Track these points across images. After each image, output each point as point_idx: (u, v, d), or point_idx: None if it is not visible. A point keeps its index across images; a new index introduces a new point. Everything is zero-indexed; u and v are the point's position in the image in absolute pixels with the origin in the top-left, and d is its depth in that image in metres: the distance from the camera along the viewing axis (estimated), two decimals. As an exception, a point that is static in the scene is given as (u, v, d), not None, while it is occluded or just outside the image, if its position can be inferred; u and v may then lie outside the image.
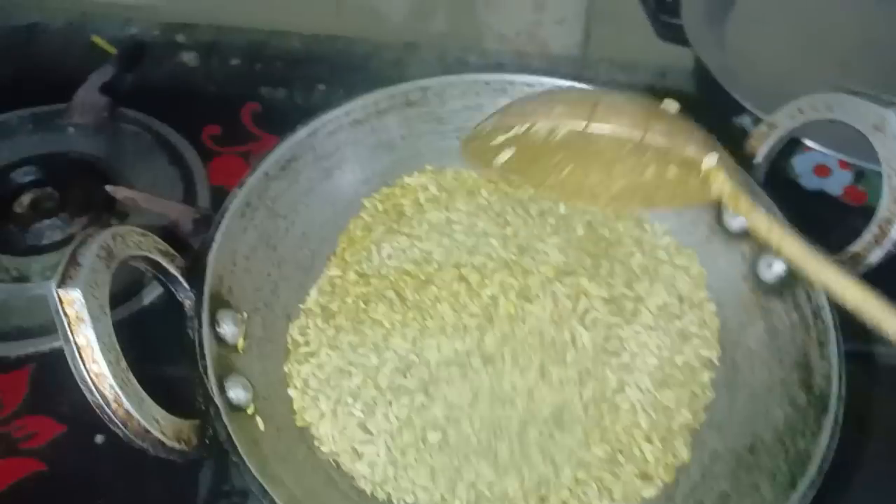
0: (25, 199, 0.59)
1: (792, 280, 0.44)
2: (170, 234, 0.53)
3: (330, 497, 0.41)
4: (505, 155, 0.45)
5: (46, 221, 0.57)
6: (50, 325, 0.51)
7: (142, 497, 0.48)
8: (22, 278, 0.56)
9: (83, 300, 0.33)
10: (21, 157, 0.61)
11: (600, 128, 0.40)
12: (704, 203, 0.45)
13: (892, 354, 0.55)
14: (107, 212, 0.59)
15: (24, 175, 0.60)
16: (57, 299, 0.33)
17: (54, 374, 0.52)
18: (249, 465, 0.36)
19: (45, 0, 0.80)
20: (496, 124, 0.43)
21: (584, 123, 0.40)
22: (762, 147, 0.47)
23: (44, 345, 0.52)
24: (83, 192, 0.59)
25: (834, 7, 0.73)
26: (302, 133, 0.48)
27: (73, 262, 0.34)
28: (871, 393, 0.52)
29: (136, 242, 0.38)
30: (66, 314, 0.33)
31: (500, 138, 0.43)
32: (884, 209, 0.42)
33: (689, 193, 0.44)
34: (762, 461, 0.41)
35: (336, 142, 0.50)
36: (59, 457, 0.49)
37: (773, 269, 0.46)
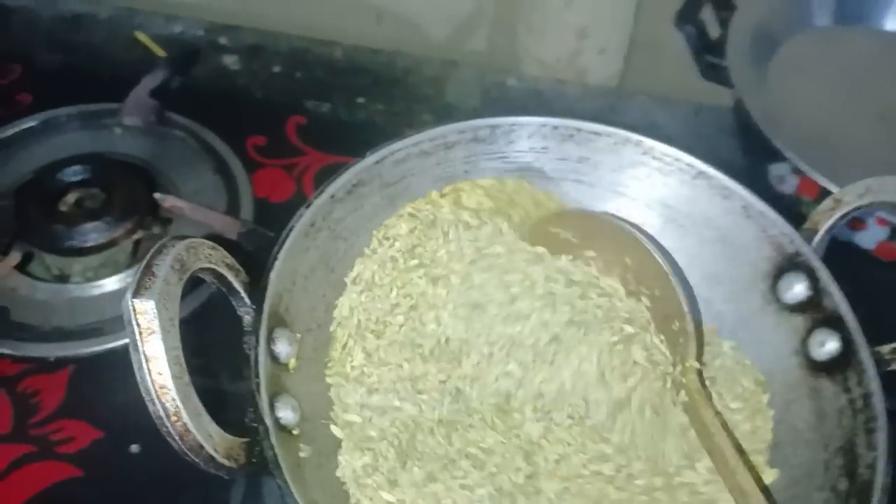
0: (71, 197, 0.59)
1: (845, 361, 0.44)
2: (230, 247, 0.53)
3: None
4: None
5: (91, 223, 0.57)
6: (90, 328, 0.53)
7: (175, 507, 0.48)
8: (63, 278, 0.56)
9: (156, 311, 0.33)
10: (68, 154, 0.61)
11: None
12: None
13: None
14: (150, 217, 0.59)
15: (71, 174, 0.60)
16: (131, 309, 0.33)
17: (93, 378, 0.52)
18: (293, 489, 0.36)
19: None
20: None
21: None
22: (826, 221, 0.47)
23: (84, 348, 0.52)
24: (129, 195, 0.59)
25: (876, 58, 0.73)
26: (370, 159, 0.48)
27: (148, 272, 0.34)
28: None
29: (206, 255, 0.38)
30: (138, 324, 0.33)
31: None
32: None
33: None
34: None
35: (402, 171, 0.50)
36: (95, 463, 0.49)
37: (826, 347, 0.45)
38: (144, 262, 0.35)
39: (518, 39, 0.83)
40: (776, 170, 0.62)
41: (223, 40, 0.77)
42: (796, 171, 0.59)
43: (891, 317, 0.44)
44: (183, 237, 0.37)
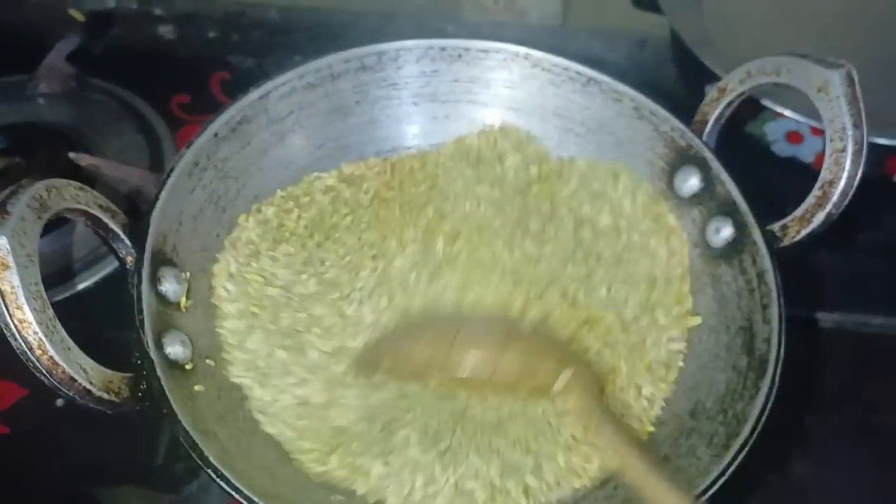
0: (-9, 167, 0.59)
1: (740, 244, 0.44)
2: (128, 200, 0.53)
3: (265, 457, 0.41)
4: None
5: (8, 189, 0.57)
6: None
7: (102, 458, 0.49)
8: (-18, 243, 0.56)
9: (8, 247, 0.33)
10: (-13, 126, 0.62)
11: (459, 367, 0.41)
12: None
13: (835, 320, 0.55)
14: (73, 179, 0.59)
15: (-10, 144, 0.60)
16: None
17: (15, 339, 0.53)
18: (180, 418, 0.36)
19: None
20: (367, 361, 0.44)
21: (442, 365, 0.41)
22: (713, 112, 0.47)
23: (5, 310, 0.53)
24: (49, 159, 0.59)
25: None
26: (254, 95, 0.48)
27: (1, 209, 0.34)
28: (812, 359, 0.53)
29: (72, 195, 0.38)
30: None
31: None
32: (826, 171, 0.41)
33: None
34: (702, 425, 0.41)
35: (289, 105, 0.50)
36: (22, 420, 0.50)
37: (722, 234, 0.46)
38: (-2, 201, 0.35)
39: (456, -17, 0.82)
40: (711, 90, 0.62)
41: (158, 11, 0.77)
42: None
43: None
44: (44, 179, 0.37)
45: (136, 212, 0.43)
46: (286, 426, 0.42)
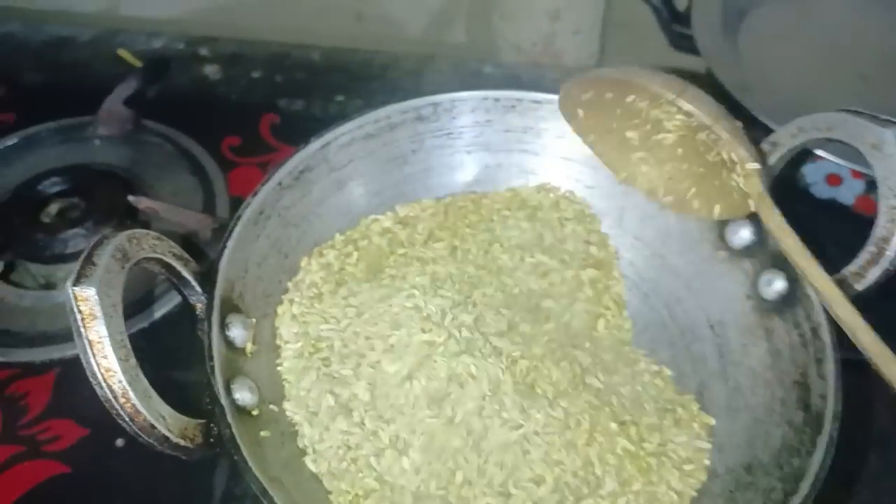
0: (52, 208, 0.61)
1: (793, 298, 0.45)
2: (188, 242, 0.54)
3: None
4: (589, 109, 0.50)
5: (72, 230, 0.59)
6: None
7: (159, 498, 0.50)
8: (48, 285, 0.58)
9: (97, 298, 0.35)
10: (48, 167, 0.64)
11: (685, 105, 0.46)
12: (736, 212, 0.48)
13: None
14: (130, 221, 0.61)
15: (51, 185, 0.62)
16: (72, 296, 0.35)
17: (77, 378, 0.53)
18: (251, 465, 0.37)
19: (74, 14, 0.83)
20: (602, 74, 0.50)
21: (673, 97, 0.47)
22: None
23: (67, 350, 0.54)
24: (107, 201, 0.61)
25: (852, 19, 0.72)
26: (315, 145, 0.49)
27: (88, 261, 0.36)
28: (869, 402, 0.53)
29: (150, 245, 0.40)
30: (79, 311, 0.35)
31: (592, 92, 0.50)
32: (880, 227, 0.42)
33: (725, 195, 0.47)
34: (758, 480, 0.41)
35: (349, 154, 0.51)
36: (82, 459, 0.51)
37: (774, 287, 0.46)
38: (84, 253, 0.36)
39: (493, 27, 0.84)
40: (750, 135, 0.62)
41: (203, 51, 0.79)
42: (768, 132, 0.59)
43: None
44: (125, 230, 0.39)
45: (196, 255, 0.44)
46: (327, 465, 0.43)
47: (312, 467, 0.43)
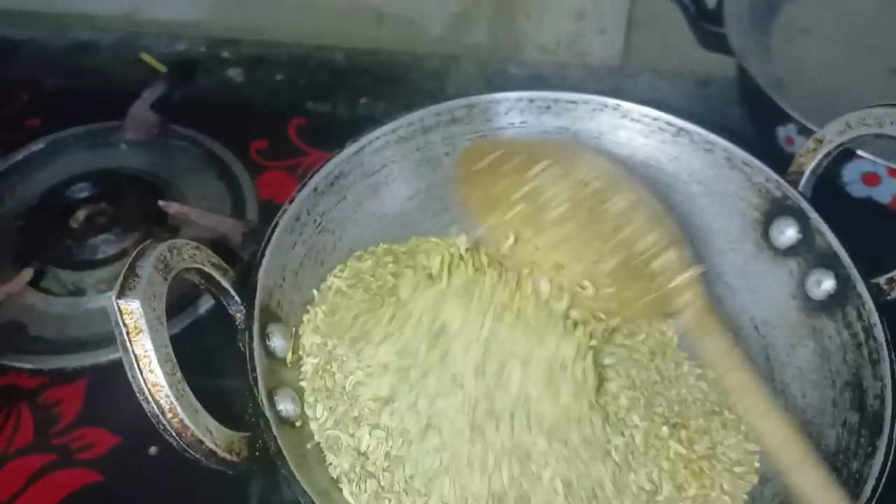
0: (81, 214, 0.60)
1: (843, 297, 0.44)
2: (220, 247, 0.54)
3: None
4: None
5: (101, 236, 0.58)
6: (105, 337, 0.55)
7: (194, 506, 0.49)
8: (78, 292, 0.58)
9: (142, 311, 0.34)
10: (76, 173, 0.63)
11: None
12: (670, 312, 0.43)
13: None
14: (158, 226, 0.60)
15: (79, 191, 0.61)
16: (116, 310, 0.34)
17: (109, 385, 0.53)
18: (299, 478, 0.37)
19: (97, 18, 0.82)
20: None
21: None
22: (810, 163, 0.48)
23: (99, 357, 0.54)
24: (136, 206, 0.60)
25: (882, 13, 0.72)
26: (350, 150, 0.49)
27: (131, 273, 0.35)
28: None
29: (190, 255, 0.39)
30: (125, 324, 0.34)
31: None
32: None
33: (656, 301, 0.43)
34: None
35: (383, 158, 0.51)
36: (115, 467, 0.50)
37: (823, 287, 0.46)
38: (127, 264, 0.36)
39: (517, 26, 0.83)
40: (784, 132, 0.61)
41: (226, 54, 0.78)
42: (803, 130, 0.58)
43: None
44: (165, 239, 0.38)
45: (229, 260, 0.43)
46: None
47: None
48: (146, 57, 0.77)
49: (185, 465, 0.48)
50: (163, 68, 0.74)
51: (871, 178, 0.62)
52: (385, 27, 0.85)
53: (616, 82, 0.77)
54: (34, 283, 0.57)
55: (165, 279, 0.37)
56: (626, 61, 0.83)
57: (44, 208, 0.61)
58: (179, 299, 0.55)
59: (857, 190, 0.62)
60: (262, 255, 0.44)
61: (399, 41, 0.81)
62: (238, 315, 0.42)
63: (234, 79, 0.76)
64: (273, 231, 0.45)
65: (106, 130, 0.67)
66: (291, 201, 0.46)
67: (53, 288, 0.58)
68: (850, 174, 0.62)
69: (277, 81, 0.76)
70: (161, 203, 0.59)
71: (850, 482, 0.38)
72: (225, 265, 0.42)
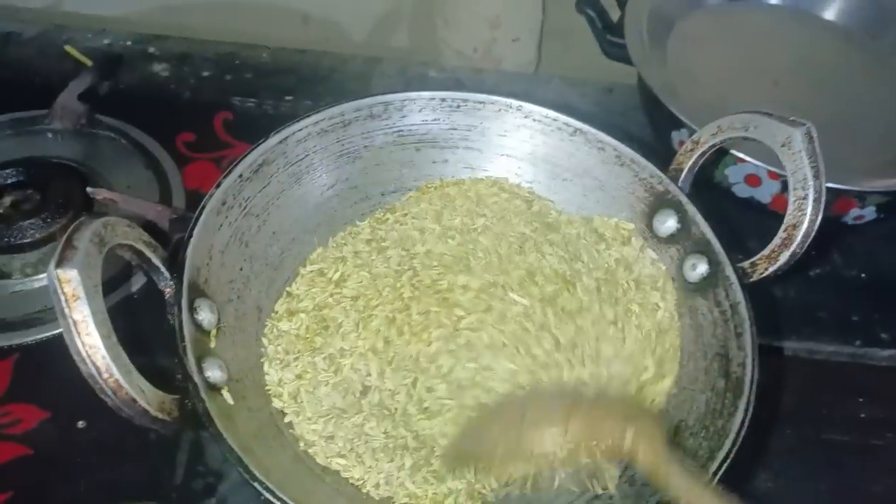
0: (7, 199, 0.62)
1: (714, 279, 0.50)
2: (150, 229, 0.56)
3: (297, 471, 0.45)
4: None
5: (28, 221, 0.60)
6: (31, 317, 0.56)
7: (122, 478, 0.52)
8: (3, 275, 0.59)
9: (80, 279, 0.36)
10: (2, 160, 0.64)
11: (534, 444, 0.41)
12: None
13: (800, 348, 0.62)
14: (86, 212, 0.62)
15: (5, 177, 0.63)
16: (56, 279, 0.36)
17: (37, 364, 0.55)
18: (225, 437, 0.40)
19: (21, 11, 0.83)
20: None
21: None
22: (688, 161, 0.53)
23: (26, 337, 0.56)
24: (63, 193, 0.62)
25: (765, 30, 0.79)
26: (274, 139, 0.52)
27: (69, 245, 0.37)
28: (780, 381, 0.59)
29: (123, 232, 0.41)
30: (63, 292, 0.36)
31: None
32: (790, 216, 0.47)
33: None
34: (685, 442, 0.46)
35: (305, 149, 0.54)
36: (44, 441, 0.52)
37: (697, 270, 0.51)
38: (65, 236, 0.38)
39: (437, 33, 0.87)
40: (678, 135, 0.67)
41: (152, 49, 0.80)
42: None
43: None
44: (100, 215, 0.41)
45: (159, 241, 0.45)
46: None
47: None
48: (71, 50, 0.78)
49: (113, 437, 0.51)
50: (88, 61, 0.75)
51: (753, 180, 0.67)
52: (310, 29, 0.87)
53: (528, 87, 0.82)
54: (-41, 268, 0.58)
55: (101, 252, 0.39)
56: (538, 68, 0.88)
57: (-31, 195, 0.62)
58: (111, 281, 0.57)
59: (741, 190, 0.67)
60: (191, 235, 0.46)
61: (324, 43, 0.84)
62: (168, 290, 0.45)
63: (161, 73, 0.78)
64: (201, 213, 0.48)
65: (33, 119, 0.69)
66: (218, 186, 0.49)
67: (-19, 272, 0.59)
68: (735, 176, 0.68)
69: (203, 78, 0.78)
70: (89, 189, 0.61)
71: (716, 437, 0.43)
72: (155, 243, 0.44)
